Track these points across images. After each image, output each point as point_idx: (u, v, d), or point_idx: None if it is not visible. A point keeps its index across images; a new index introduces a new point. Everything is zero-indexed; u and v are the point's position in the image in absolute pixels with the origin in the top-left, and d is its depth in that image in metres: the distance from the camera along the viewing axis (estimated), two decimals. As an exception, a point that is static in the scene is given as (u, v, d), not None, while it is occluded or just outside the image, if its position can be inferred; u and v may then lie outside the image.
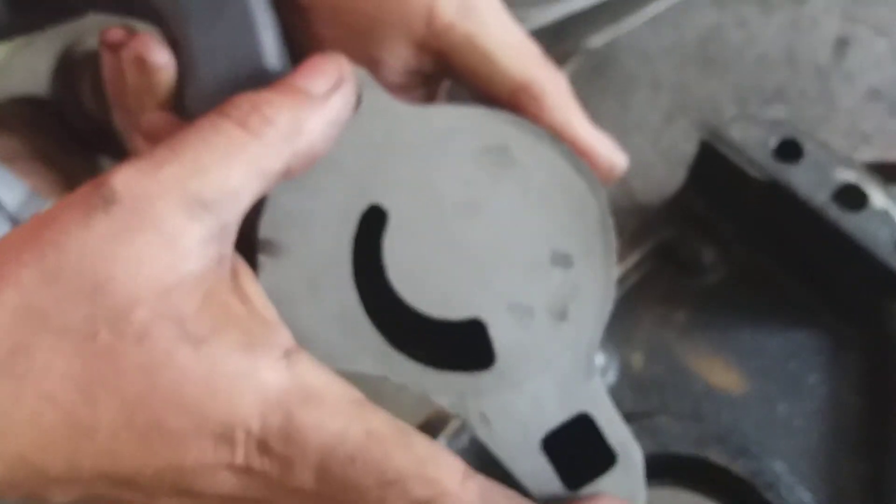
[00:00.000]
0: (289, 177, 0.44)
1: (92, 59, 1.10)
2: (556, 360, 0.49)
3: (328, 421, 0.40)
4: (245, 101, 0.43)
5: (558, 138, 0.50)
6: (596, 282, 0.49)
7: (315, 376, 0.41)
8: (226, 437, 0.39)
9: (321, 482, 0.40)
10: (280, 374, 0.40)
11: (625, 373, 0.69)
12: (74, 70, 1.16)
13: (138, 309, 0.38)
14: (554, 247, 0.49)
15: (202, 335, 0.39)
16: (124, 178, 0.39)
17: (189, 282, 0.40)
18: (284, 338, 0.42)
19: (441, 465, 0.41)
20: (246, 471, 0.39)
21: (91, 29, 1.07)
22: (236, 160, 0.41)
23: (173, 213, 0.39)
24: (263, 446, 0.39)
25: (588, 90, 0.82)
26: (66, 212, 0.39)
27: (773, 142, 0.66)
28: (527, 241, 0.49)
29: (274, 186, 0.45)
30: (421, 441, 0.42)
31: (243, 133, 0.42)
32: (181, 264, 0.39)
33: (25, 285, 0.38)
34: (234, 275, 0.43)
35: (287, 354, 0.41)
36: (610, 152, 0.51)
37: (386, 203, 0.49)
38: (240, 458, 0.39)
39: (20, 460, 0.38)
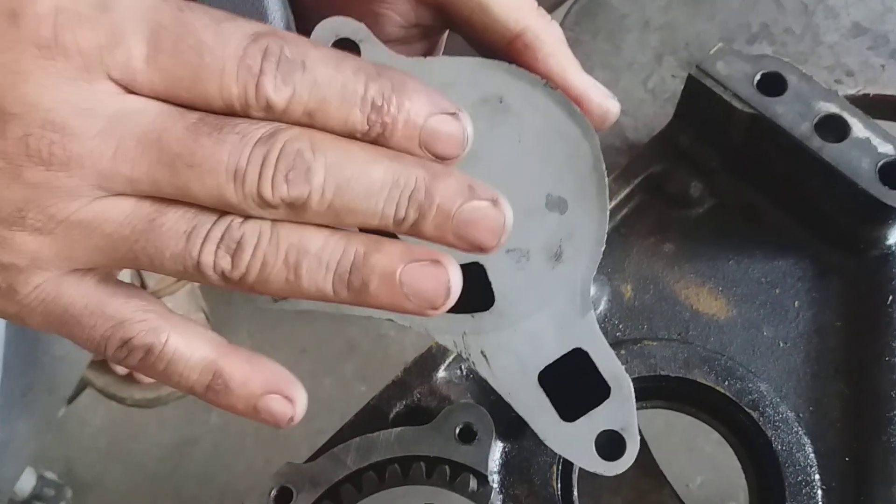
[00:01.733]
0: None
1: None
2: (552, 299, 0.51)
3: None
4: None
5: (553, 86, 0.51)
6: (589, 224, 0.51)
7: None
8: (18, 20, 0.39)
9: None
10: None
11: (615, 301, 0.70)
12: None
13: None
14: (549, 191, 0.51)
15: None
16: None
17: None
18: None
19: None
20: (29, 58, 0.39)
21: None
22: None
23: None
24: None
25: (579, 32, 0.83)
26: None
27: (758, 75, 0.67)
28: (523, 186, 0.51)
29: None
30: None
31: None
32: None
33: None
34: None
35: None
36: (603, 98, 0.53)
37: None
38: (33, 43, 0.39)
39: None
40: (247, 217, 0.42)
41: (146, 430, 1.78)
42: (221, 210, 0.42)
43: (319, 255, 0.42)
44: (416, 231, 0.43)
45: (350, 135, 0.42)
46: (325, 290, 0.43)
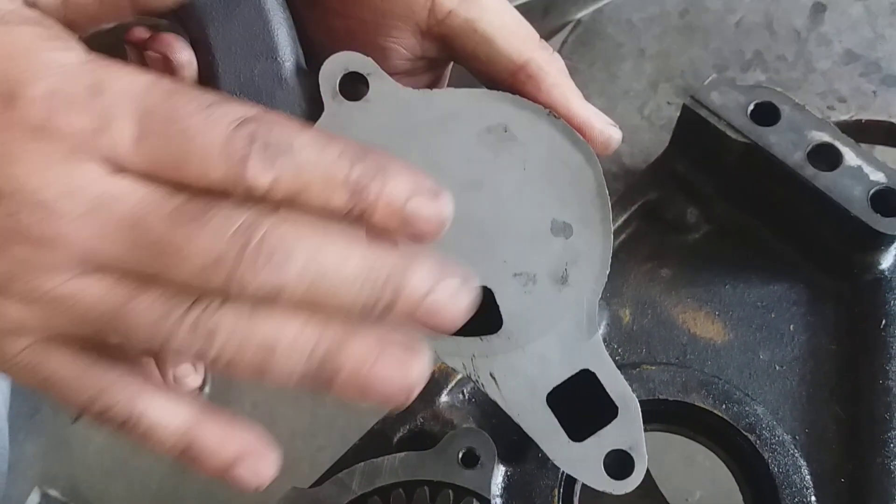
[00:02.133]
0: None
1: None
2: (559, 321, 0.52)
3: None
4: None
5: (556, 115, 0.53)
6: (594, 247, 0.52)
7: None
8: (12, 103, 0.40)
9: None
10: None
11: (614, 326, 0.72)
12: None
13: None
14: (554, 217, 0.52)
15: (12, 20, 0.42)
16: None
17: None
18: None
19: None
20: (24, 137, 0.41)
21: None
22: None
23: None
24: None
25: (576, 61, 0.85)
26: None
27: (751, 105, 0.69)
28: (529, 212, 0.52)
29: None
30: None
31: None
32: None
33: None
34: None
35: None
36: (605, 126, 0.54)
37: None
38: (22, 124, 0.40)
39: None
40: (224, 300, 0.42)
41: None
42: (199, 292, 0.42)
43: (292, 345, 0.43)
44: (385, 318, 0.43)
45: (331, 216, 0.43)
46: (293, 379, 0.43)
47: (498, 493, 0.66)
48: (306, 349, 0.43)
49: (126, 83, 0.41)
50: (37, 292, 0.42)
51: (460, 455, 0.64)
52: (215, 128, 0.41)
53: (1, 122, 0.41)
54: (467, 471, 0.63)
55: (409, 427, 0.69)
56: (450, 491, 0.62)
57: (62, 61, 0.41)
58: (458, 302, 0.44)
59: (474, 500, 0.62)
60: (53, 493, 1.72)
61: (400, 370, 0.43)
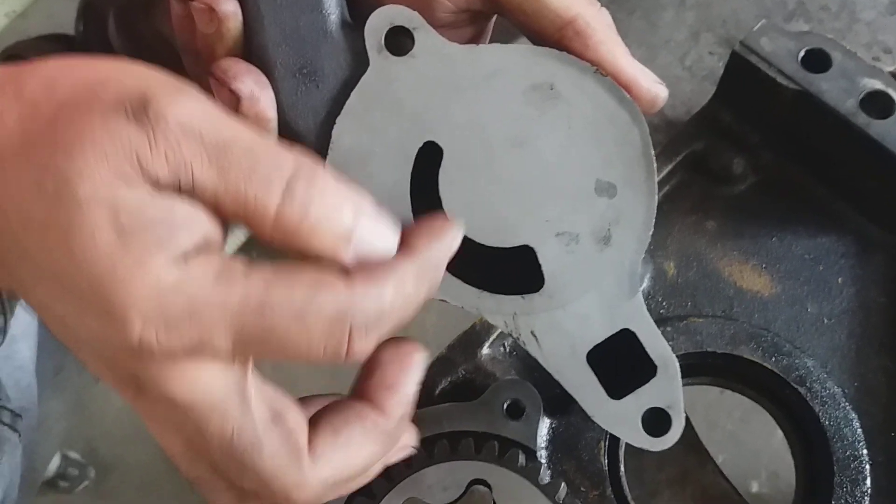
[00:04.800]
0: None
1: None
2: (601, 281, 0.51)
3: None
4: None
5: (603, 73, 0.51)
6: (638, 208, 0.51)
7: None
8: (111, 321, 0.40)
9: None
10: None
11: (659, 279, 0.70)
12: (100, 8, 1.17)
13: (85, 184, 0.40)
14: (598, 176, 0.51)
15: (129, 226, 0.41)
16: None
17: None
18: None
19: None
20: (124, 351, 0.41)
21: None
22: None
23: None
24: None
25: (615, 10, 0.83)
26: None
27: (802, 52, 0.67)
28: (573, 171, 0.51)
29: None
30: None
31: None
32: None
33: (35, 99, 0.41)
34: None
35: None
36: (652, 84, 0.53)
37: (441, 140, 0.51)
38: (122, 344, 0.41)
39: None
40: None
41: (168, 410, 1.78)
42: None
43: None
44: None
45: None
46: None
47: (543, 444, 0.65)
48: None
49: (219, 307, 0.41)
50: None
51: (505, 406, 0.63)
52: (312, 334, 0.42)
53: (105, 332, 0.41)
54: (512, 422, 0.62)
55: (451, 379, 0.68)
56: (495, 442, 0.61)
57: (163, 282, 0.41)
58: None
59: (520, 451, 0.61)
60: (73, 455, 1.73)
61: None
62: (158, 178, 0.41)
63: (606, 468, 0.65)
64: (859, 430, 0.64)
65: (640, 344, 0.52)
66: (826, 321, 0.68)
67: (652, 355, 0.52)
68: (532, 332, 0.52)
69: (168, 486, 1.76)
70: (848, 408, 0.65)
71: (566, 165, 0.51)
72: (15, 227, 0.41)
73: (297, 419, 0.47)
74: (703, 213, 0.72)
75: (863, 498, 0.63)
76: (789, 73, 0.66)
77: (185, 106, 0.41)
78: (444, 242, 0.48)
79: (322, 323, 0.42)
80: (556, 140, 0.51)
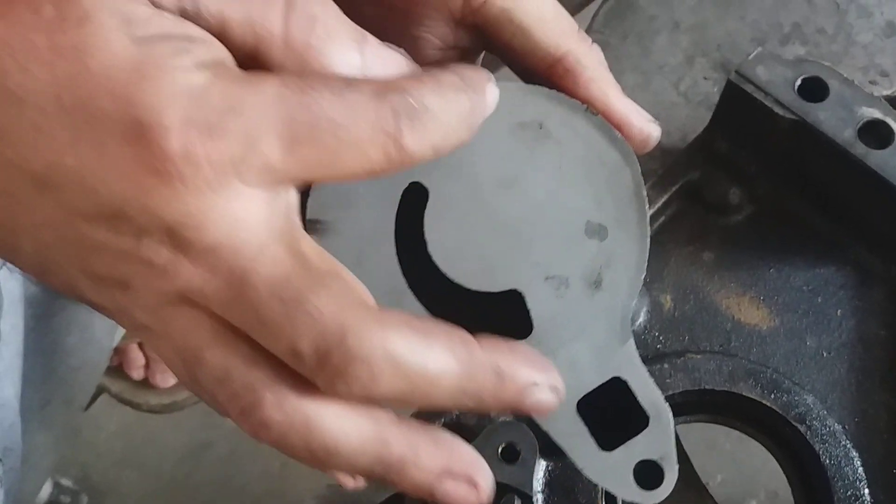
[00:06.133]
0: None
1: None
2: (591, 327, 0.50)
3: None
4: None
5: (593, 111, 0.50)
6: (630, 251, 0.50)
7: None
8: (143, 133, 0.37)
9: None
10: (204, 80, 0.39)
11: (655, 313, 0.69)
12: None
13: None
14: (589, 218, 0.50)
15: (144, 36, 0.38)
16: None
17: None
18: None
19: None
20: (148, 171, 0.38)
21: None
22: None
23: None
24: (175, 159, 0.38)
25: (608, 35, 0.82)
26: None
27: (798, 80, 0.66)
28: (563, 213, 0.49)
29: None
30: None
31: None
32: None
33: None
34: None
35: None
36: (644, 123, 0.52)
37: (426, 180, 0.49)
38: (156, 163, 0.38)
39: None
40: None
41: (161, 434, 1.77)
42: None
43: (358, 449, 0.42)
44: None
45: None
46: (351, 471, 0.44)
47: (539, 488, 0.63)
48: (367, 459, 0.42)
49: (258, 97, 0.39)
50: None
51: (500, 450, 0.61)
52: (358, 113, 0.40)
53: (132, 154, 0.37)
54: (508, 466, 0.61)
55: (445, 421, 0.66)
56: (490, 487, 0.60)
57: (193, 82, 0.38)
58: (552, 398, 0.46)
59: (515, 496, 0.60)
60: (65, 482, 1.71)
61: (466, 493, 0.44)
62: (161, 1, 0.39)
63: (604, 510, 0.63)
64: (860, 469, 0.63)
65: (632, 393, 0.50)
66: (825, 355, 0.67)
67: (644, 404, 0.50)
68: None
69: (163, 509, 1.75)
70: (849, 446, 0.63)
71: (556, 206, 0.50)
72: (9, 71, 0.37)
73: (359, 282, 0.42)
74: (700, 244, 0.71)
75: (865, 538, 0.62)
76: (786, 102, 0.65)
77: None
78: (479, 70, 0.46)
79: (363, 98, 0.40)
80: (546, 180, 0.50)
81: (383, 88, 0.41)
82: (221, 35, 0.41)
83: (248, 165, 0.39)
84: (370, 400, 0.41)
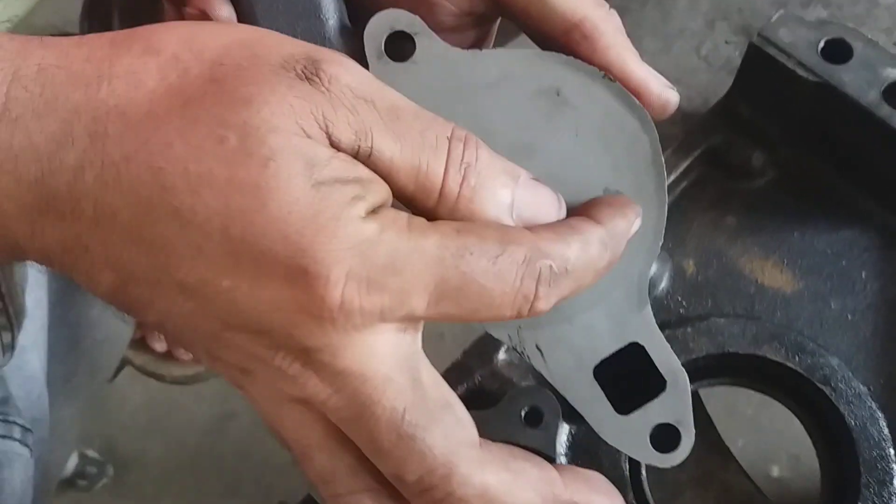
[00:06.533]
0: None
1: (120, -1, 1.09)
2: (609, 293, 0.50)
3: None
4: None
5: (611, 77, 0.50)
6: (647, 218, 0.49)
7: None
8: (309, 282, 0.38)
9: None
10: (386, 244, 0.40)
11: (678, 278, 0.69)
12: (104, 8, 1.16)
13: (275, 135, 0.38)
14: (607, 185, 0.49)
15: (322, 180, 0.39)
16: None
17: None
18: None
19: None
20: (303, 311, 0.39)
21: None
22: None
23: None
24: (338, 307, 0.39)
25: (629, 2, 0.81)
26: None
27: (822, 42, 0.65)
28: (581, 180, 0.49)
29: None
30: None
31: None
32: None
33: (178, 57, 0.39)
34: None
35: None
36: (662, 89, 0.51)
37: None
38: (313, 308, 0.39)
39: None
40: None
41: (185, 406, 1.78)
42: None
43: None
44: None
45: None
46: None
47: (563, 451, 0.64)
48: None
49: (420, 256, 0.40)
50: None
51: (524, 413, 0.61)
52: (506, 280, 0.41)
53: (291, 295, 0.38)
54: (531, 429, 0.61)
55: (468, 385, 0.67)
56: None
57: (363, 236, 0.39)
58: None
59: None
60: (91, 453, 1.73)
61: None
62: (341, 141, 0.39)
63: (628, 473, 0.63)
64: (886, 430, 0.63)
65: (649, 358, 0.50)
66: (850, 317, 0.67)
67: (661, 369, 0.50)
68: (537, 346, 0.51)
69: (187, 479, 1.76)
70: (874, 407, 0.63)
71: (574, 173, 0.49)
72: (180, 193, 0.38)
73: (466, 413, 0.44)
74: (723, 209, 0.71)
75: (890, 499, 0.62)
76: (809, 64, 0.64)
77: (353, 69, 0.41)
78: (628, 217, 0.47)
79: (514, 267, 0.41)
80: (564, 148, 0.50)
81: (533, 255, 0.42)
82: (387, 179, 0.41)
83: (394, 315, 0.40)
84: None
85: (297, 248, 0.38)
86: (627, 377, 0.50)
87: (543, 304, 0.42)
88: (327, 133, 0.39)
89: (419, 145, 0.41)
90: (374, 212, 0.40)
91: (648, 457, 0.50)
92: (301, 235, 0.38)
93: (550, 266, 0.42)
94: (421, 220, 0.41)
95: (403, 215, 0.41)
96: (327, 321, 0.39)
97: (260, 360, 0.41)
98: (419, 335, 0.43)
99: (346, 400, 0.41)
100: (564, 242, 0.43)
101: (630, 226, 0.47)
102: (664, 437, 0.50)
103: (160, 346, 1.60)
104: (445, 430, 0.42)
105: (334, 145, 0.39)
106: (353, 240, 0.38)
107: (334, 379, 0.40)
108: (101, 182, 0.38)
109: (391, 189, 0.41)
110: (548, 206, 0.46)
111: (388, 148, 0.40)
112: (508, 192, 0.44)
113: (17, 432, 0.73)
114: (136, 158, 0.38)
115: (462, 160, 0.42)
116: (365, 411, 0.41)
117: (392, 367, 0.41)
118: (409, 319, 0.41)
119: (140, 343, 1.63)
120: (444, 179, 0.41)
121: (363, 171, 0.40)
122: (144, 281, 0.40)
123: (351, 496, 0.43)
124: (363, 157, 0.40)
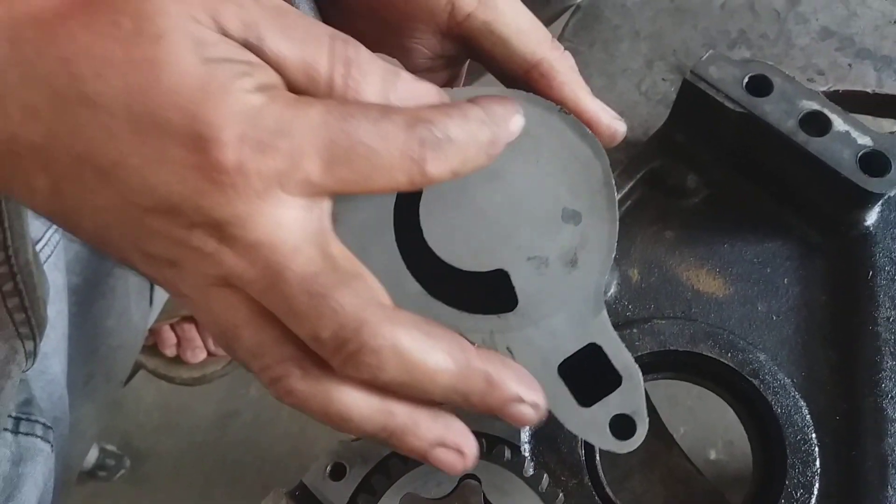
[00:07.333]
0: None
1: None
2: (569, 300, 0.49)
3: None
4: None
5: (566, 111, 0.50)
6: (601, 233, 0.49)
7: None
8: (204, 146, 0.37)
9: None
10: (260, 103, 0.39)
11: (624, 285, 0.68)
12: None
13: (166, 17, 0.37)
14: (565, 205, 0.49)
15: (211, 57, 0.38)
16: None
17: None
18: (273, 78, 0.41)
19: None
20: (204, 177, 0.38)
21: None
22: None
23: None
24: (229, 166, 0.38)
25: (577, 43, 0.81)
26: None
27: (746, 78, 0.65)
28: (541, 201, 0.49)
29: None
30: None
31: None
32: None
33: None
34: None
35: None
36: (611, 120, 0.52)
37: None
38: (212, 172, 0.38)
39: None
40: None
41: (193, 404, 1.76)
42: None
43: (365, 418, 0.43)
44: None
45: None
46: (356, 433, 0.44)
47: (526, 440, 0.63)
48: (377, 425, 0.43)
49: (305, 121, 0.39)
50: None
51: (491, 407, 0.60)
52: (389, 141, 0.40)
53: (191, 162, 0.37)
54: (498, 422, 0.60)
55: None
56: (483, 439, 0.59)
57: (251, 103, 0.38)
58: (531, 414, 0.46)
59: (505, 447, 0.59)
60: (110, 447, 1.70)
61: (454, 461, 0.45)
62: (229, 29, 0.38)
63: (584, 458, 0.63)
64: (808, 417, 0.62)
65: (606, 356, 0.50)
66: (775, 318, 0.66)
67: (617, 366, 0.50)
68: (508, 348, 0.50)
69: (196, 469, 1.74)
70: (797, 396, 0.63)
71: (535, 196, 0.49)
72: (86, 77, 0.37)
73: (379, 284, 0.42)
74: (662, 224, 0.70)
75: (813, 477, 0.61)
76: (735, 97, 0.64)
77: None
78: (506, 106, 0.45)
79: (396, 128, 0.40)
80: (527, 173, 0.49)
81: (413, 120, 0.41)
82: (278, 71, 0.40)
83: (290, 179, 0.39)
84: (375, 384, 0.41)
85: (191, 115, 0.37)
86: (588, 374, 0.50)
87: (433, 168, 0.41)
88: (216, 21, 0.38)
89: (304, 41, 0.40)
90: (261, 89, 0.39)
91: (608, 443, 0.50)
92: (193, 103, 0.37)
93: (432, 129, 0.41)
94: (307, 97, 0.40)
95: (290, 94, 0.40)
96: (228, 186, 0.38)
97: (181, 245, 0.40)
98: (327, 215, 0.42)
99: (260, 270, 0.39)
100: (444, 113, 0.42)
101: (507, 113, 0.45)
102: (621, 426, 0.50)
103: (170, 351, 1.58)
104: (356, 290, 0.40)
105: (223, 33, 0.39)
106: (242, 106, 0.38)
107: (247, 251, 0.39)
108: (22, 80, 0.37)
109: (284, 82, 0.40)
110: (430, 97, 0.44)
111: (275, 41, 0.40)
112: (391, 83, 0.42)
113: (38, 430, 0.71)
114: (47, 53, 0.37)
115: (346, 55, 0.41)
116: (278, 277, 0.39)
117: (300, 238, 0.40)
118: (310, 189, 0.40)
119: (152, 349, 1.61)
120: (330, 72, 0.40)
121: (252, 57, 0.39)
122: (72, 176, 0.39)
123: (278, 365, 0.41)
124: (254, 49, 0.39)
